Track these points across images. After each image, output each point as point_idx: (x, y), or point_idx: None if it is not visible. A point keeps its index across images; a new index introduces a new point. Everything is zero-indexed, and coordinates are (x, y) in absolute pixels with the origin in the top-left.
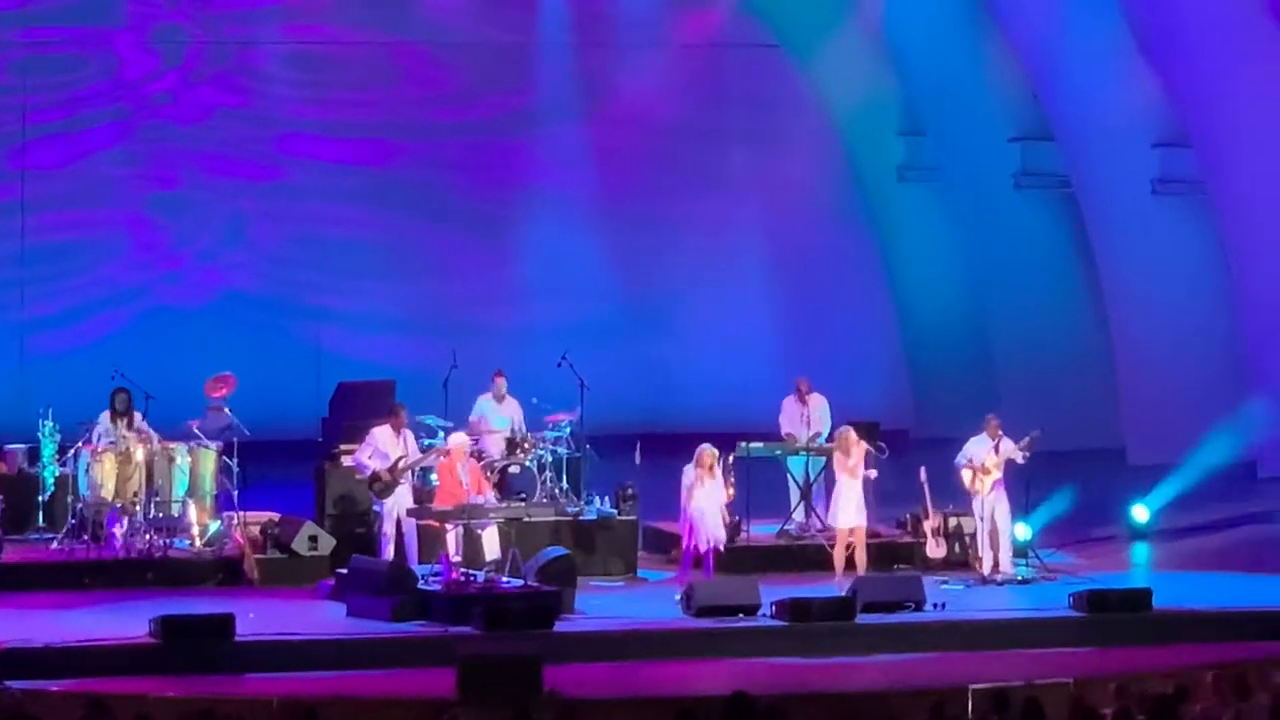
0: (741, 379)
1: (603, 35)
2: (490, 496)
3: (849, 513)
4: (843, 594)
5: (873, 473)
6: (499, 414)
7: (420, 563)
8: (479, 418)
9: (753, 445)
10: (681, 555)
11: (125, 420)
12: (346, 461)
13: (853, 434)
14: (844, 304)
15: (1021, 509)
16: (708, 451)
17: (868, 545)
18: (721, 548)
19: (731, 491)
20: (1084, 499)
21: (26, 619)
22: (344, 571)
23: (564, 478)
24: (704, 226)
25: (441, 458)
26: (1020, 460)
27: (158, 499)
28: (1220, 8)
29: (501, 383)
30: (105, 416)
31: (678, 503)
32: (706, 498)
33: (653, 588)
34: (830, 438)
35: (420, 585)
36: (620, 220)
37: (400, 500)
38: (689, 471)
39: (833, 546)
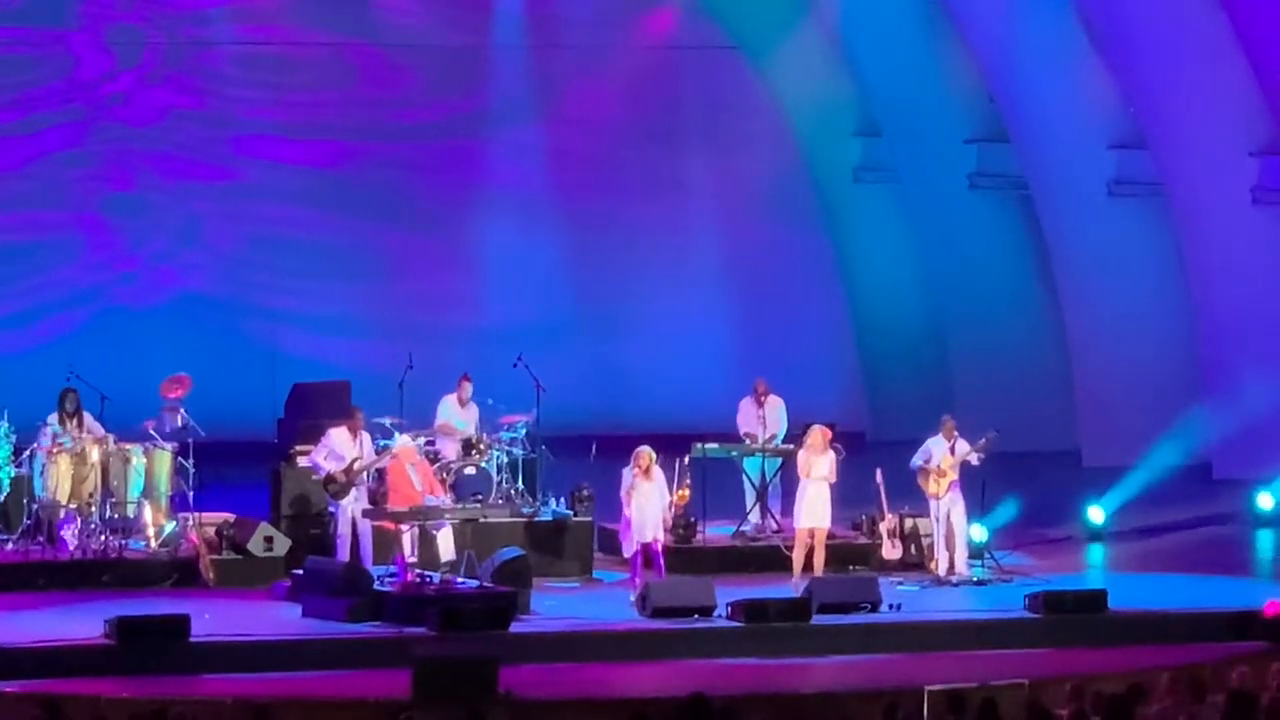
0: (697, 380)
1: (558, 37)
2: (444, 498)
3: (814, 513)
4: (798, 595)
5: (833, 476)
6: (460, 417)
7: (376, 564)
8: (445, 419)
9: (708, 446)
10: (632, 557)
11: (75, 420)
12: (302, 462)
13: (818, 435)
14: (800, 305)
15: (977, 510)
16: (645, 453)
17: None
18: (659, 546)
19: (686, 492)
20: (1039, 500)
21: None
22: (299, 572)
23: (520, 479)
24: (660, 228)
25: (390, 459)
26: (975, 462)
27: (113, 500)
28: (1175, 8)
29: (468, 387)
30: (54, 418)
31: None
32: (644, 499)
33: (608, 589)
34: (787, 439)
35: (376, 586)
36: (576, 221)
37: (355, 501)
38: (627, 473)
39: (789, 548)
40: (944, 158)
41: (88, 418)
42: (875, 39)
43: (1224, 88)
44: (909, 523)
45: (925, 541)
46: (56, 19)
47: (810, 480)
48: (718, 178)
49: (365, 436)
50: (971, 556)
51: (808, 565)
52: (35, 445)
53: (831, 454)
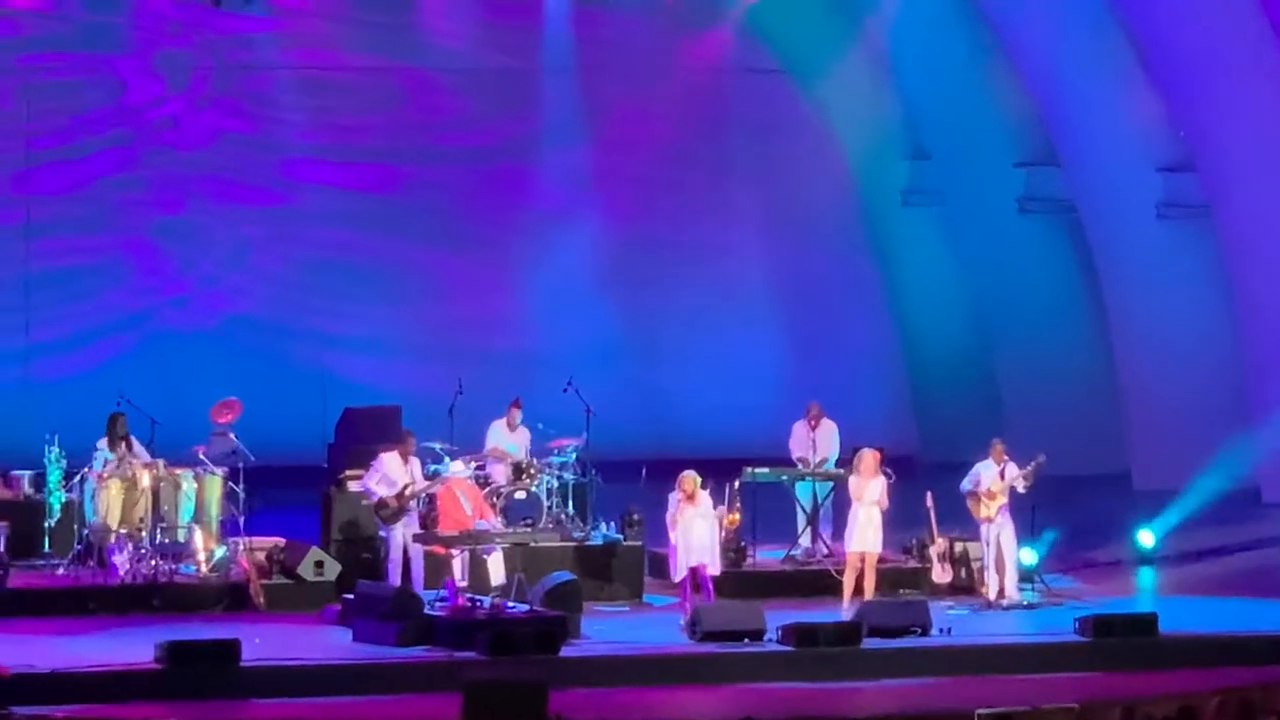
0: (746, 404)
1: (606, 60)
2: (495, 522)
3: (865, 538)
4: (849, 619)
5: (884, 501)
6: (509, 441)
7: (426, 588)
8: (496, 444)
9: (758, 470)
10: (681, 581)
11: (124, 443)
12: (352, 487)
13: (868, 459)
14: (848, 328)
15: (1027, 534)
16: (689, 477)
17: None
18: (707, 571)
19: (737, 517)
20: (1089, 524)
21: (32, 645)
22: (350, 597)
23: (570, 503)
24: (709, 251)
25: (441, 485)
26: (1021, 489)
27: (163, 525)
28: (1224, 32)
29: (517, 413)
30: (104, 443)
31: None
32: (689, 523)
33: (658, 613)
34: (838, 463)
35: (426, 610)
36: (624, 244)
37: (407, 526)
38: (672, 499)
39: (839, 572)
40: (993, 181)
41: (135, 443)
42: (924, 62)
43: (1272, 110)
44: (959, 546)
45: (975, 565)
46: (105, 44)
47: (861, 505)
48: (766, 201)
49: (416, 461)
50: (1021, 580)
51: (858, 590)
52: (86, 470)
53: (882, 478)
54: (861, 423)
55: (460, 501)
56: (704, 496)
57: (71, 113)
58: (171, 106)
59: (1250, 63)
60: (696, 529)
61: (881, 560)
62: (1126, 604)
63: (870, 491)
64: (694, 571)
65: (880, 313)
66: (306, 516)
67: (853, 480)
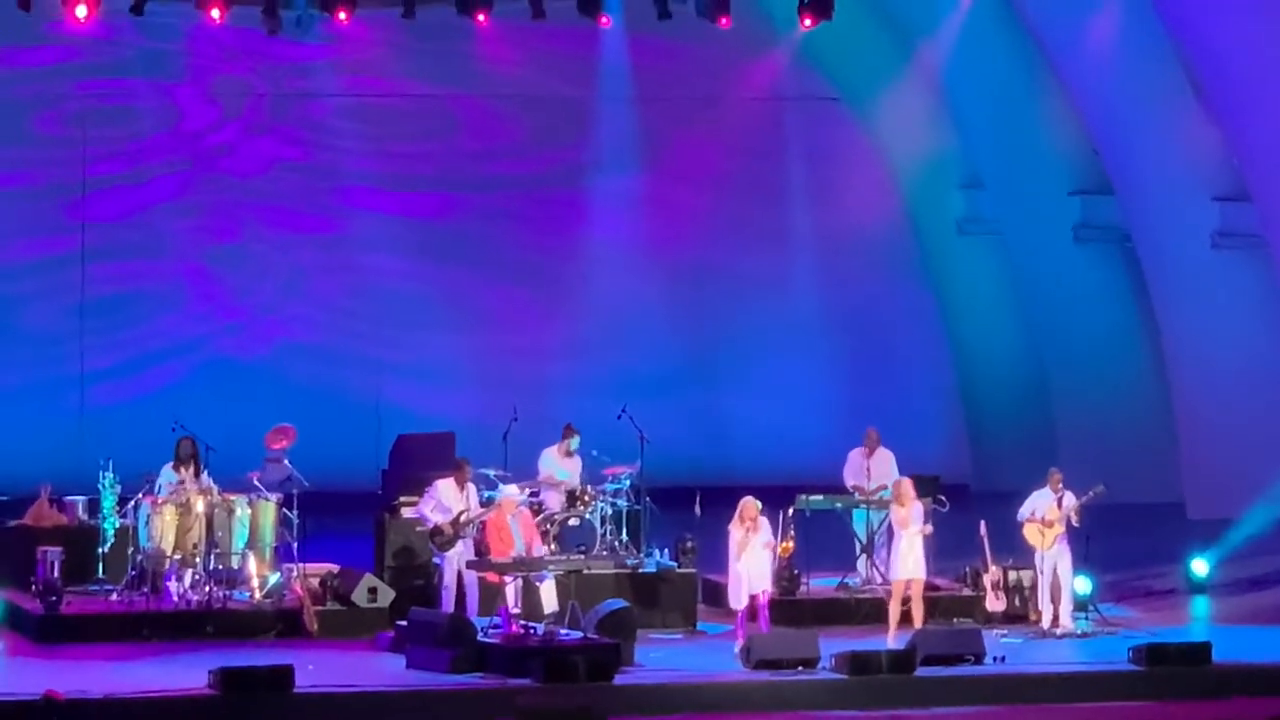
0: (800, 432)
1: (661, 88)
2: (546, 549)
3: (906, 565)
4: (903, 647)
5: (928, 528)
6: (562, 467)
7: (479, 615)
8: (549, 472)
9: (812, 498)
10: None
11: (192, 468)
12: (406, 513)
13: (905, 486)
14: (903, 357)
15: (1082, 562)
16: (750, 504)
17: (925, 599)
18: (764, 597)
19: (791, 544)
20: (1144, 553)
21: (86, 670)
22: (403, 623)
23: (624, 530)
24: (763, 279)
25: (495, 511)
26: (1074, 522)
27: (217, 551)
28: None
29: (572, 437)
30: (168, 468)
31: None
32: (753, 551)
33: (712, 640)
34: None
35: (479, 637)
36: (679, 273)
37: (461, 553)
38: (735, 530)
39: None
40: (1048, 210)
41: (203, 470)
42: (978, 91)
43: None
44: (1013, 575)
45: (1028, 593)
46: (162, 71)
47: (905, 533)
48: (821, 229)
49: (472, 488)
50: (1076, 609)
51: (906, 618)
52: (140, 495)
53: (919, 504)
54: (916, 451)
55: (510, 528)
56: (764, 523)
57: (128, 139)
58: (227, 133)
59: None
60: (758, 556)
61: (935, 588)
62: (1180, 633)
63: (907, 518)
64: (751, 599)
65: (935, 341)
66: (360, 543)
67: (893, 509)
